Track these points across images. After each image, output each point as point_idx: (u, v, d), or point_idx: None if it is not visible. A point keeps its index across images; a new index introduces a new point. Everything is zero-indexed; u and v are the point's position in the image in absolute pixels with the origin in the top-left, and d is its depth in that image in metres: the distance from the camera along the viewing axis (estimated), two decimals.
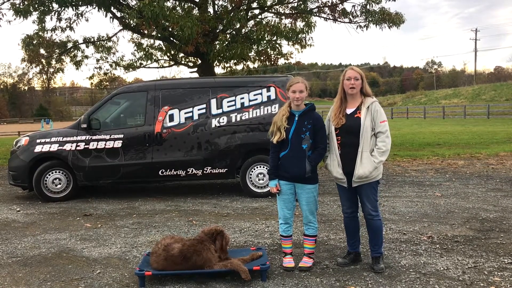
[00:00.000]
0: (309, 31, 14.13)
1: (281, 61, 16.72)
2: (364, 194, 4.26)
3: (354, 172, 4.18)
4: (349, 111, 4.28)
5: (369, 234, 4.39)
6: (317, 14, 15.27)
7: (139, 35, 15.93)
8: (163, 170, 8.11)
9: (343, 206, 4.49)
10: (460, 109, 44.38)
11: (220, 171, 8.21)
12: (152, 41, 16.21)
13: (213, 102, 8.23)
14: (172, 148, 8.11)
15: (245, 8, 14.25)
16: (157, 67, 17.96)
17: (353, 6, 14.63)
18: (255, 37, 14.03)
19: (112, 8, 13.59)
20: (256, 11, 15.41)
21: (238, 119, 8.23)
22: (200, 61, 15.33)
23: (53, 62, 17.98)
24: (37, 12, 13.26)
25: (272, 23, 14.61)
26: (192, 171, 8.14)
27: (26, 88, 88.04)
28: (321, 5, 15.14)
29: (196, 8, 14.17)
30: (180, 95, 8.26)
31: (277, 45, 14.95)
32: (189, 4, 14.39)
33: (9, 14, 13.01)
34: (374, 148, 4.16)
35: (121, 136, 8.11)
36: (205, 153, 8.14)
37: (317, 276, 4.21)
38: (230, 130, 8.19)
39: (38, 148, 8.15)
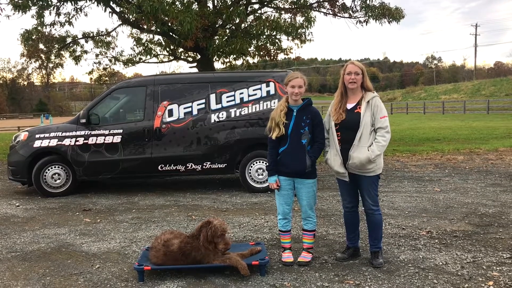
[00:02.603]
0: (309, 26, 14.12)
1: (281, 56, 16.73)
2: (365, 188, 4.26)
3: (347, 163, 4.17)
4: (349, 106, 4.26)
5: (369, 228, 4.39)
6: (317, 9, 15.23)
7: (138, 30, 15.91)
8: (163, 165, 8.10)
9: (344, 201, 4.49)
10: (460, 104, 44.37)
11: (219, 166, 8.21)
12: (151, 36, 16.20)
13: (212, 97, 8.22)
14: (171, 143, 8.11)
15: (245, 2, 14.22)
16: (157, 62, 17.97)
17: (353, 1, 14.62)
18: (254, 32, 14.01)
19: (111, 3, 13.56)
20: (256, 6, 15.40)
21: (238, 114, 8.21)
22: (199, 56, 15.31)
23: (52, 57, 17.97)
24: (36, 7, 13.22)
25: (272, 18, 14.58)
26: (191, 166, 8.14)
27: (25, 83, 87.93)
28: (321, 0, 15.11)
29: (196, 3, 14.12)
30: (179, 90, 8.25)
31: (276, 40, 14.92)
32: None
33: (8, 9, 13.01)
34: (374, 141, 4.14)
35: (120, 131, 8.10)
36: (205, 148, 8.13)
37: (316, 271, 4.22)
38: (230, 125, 8.18)
39: (37, 143, 8.15)
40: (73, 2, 14.10)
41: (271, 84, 8.28)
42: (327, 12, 15.26)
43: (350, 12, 14.83)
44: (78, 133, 8.12)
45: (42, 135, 8.20)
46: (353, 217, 4.48)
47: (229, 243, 4.12)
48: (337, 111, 4.26)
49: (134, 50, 17.16)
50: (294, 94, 4.24)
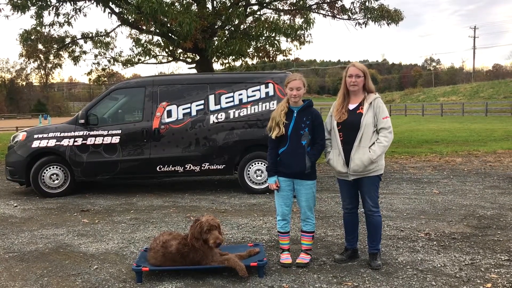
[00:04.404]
0: (308, 27, 14.09)
1: (280, 58, 16.72)
2: (365, 190, 4.26)
3: (349, 166, 4.18)
4: (351, 106, 4.27)
5: (368, 230, 4.38)
6: (316, 11, 15.23)
7: (137, 31, 15.88)
8: (161, 166, 8.10)
9: (344, 202, 4.49)
10: (458, 106, 44.46)
11: (218, 167, 8.20)
12: (150, 36, 16.17)
13: (211, 98, 8.22)
14: (170, 144, 8.10)
15: (244, 4, 14.21)
16: (156, 63, 17.93)
17: (352, 2, 14.62)
18: (253, 33, 14.01)
19: (111, 3, 13.53)
20: (255, 7, 15.39)
21: (236, 115, 8.21)
22: (198, 57, 15.29)
23: (51, 57, 17.92)
24: (35, 7, 13.18)
25: (271, 19, 14.57)
26: (190, 167, 8.13)
27: (24, 83, 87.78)
28: (320, 2, 15.12)
29: (195, 4, 14.12)
30: (178, 91, 8.24)
31: (275, 42, 14.90)
32: (188, 0, 14.34)
33: (7, 9, 12.90)
34: (375, 141, 4.15)
35: (119, 131, 8.09)
36: (203, 149, 8.13)
37: (314, 272, 4.22)
38: (228, 126, 8.18)
39: (35, 144, 8.13)
40: (72, 2, 14.08)
41: (270, 85, 8.28)
42: (326, 13, 15.27)
43: (349, 14, 14.83)
44: (76, 133, 8.11)
45: (40, 136, 8.18)
46: (353, 219, 4.48)
47: (219, 237, 4.04)
48: (339, 110, 4.27)
49: (133, 51, 17.12)
50: (293, 96, 4.25)
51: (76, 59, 16.61)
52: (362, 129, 4.14)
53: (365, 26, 14.66)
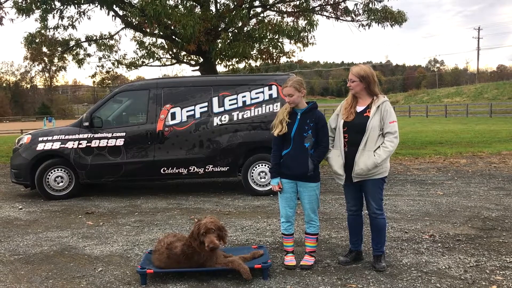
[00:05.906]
0: (311, 29, 14.10)
1: (283, 60, 16.70)
2: (370, 192, 4.25)
3: (353, 167, 4.17)
4: (359, 109, 4.27)
5: (372, 232, 4.38)
6: (319, 13, 15.25)
7: (141, 34, 15.94)
8: (165, 168, 8.11)
9: (348, 204, 4.48)
10: (463, 107, 44.31)
11: (222, 169, 8.21)
12: (154, 39, 16.21)
13: (215, 100, 8.23)
14: (174, 146, 8.12)
15: (247, 6, 14.23)
16: (159, 66, 17.98)
17: (355, 4, 14.62)
18: (257, 35, 14.02)
19: (115, 6, 13.59)
20: (258, 9, 15.40)
21: (240, 117, 8.22)
22: (202, 60, 15.32)
23: (56, 60, 18.04)
24: (39, 10, 13.26)
25: (274, 21, 14.58)
26: (194, 169, 8.15)
27: (28, 86, 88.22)
28: (323, 3, 15.13)
29: (198, 6, 14.16)
30: (182, 93, 8.26)
31: (279, 44, 14.91)
32: (191, 2, 14.38)
33: (12, 12, 13.06)
34: (381, 146, 4.14)
35: (123, 134, 8.12)
36: (207, 151, 8.14)
37: (318, 274, 4.21)
38: (232, 128, 8.19)
39: (40, 146, 8.17)
40: (76, 5, 14.15)
41: (274, 87, 8.28)
42: (330, 15, 15.29)
43: (353, 15, 14.85)
44: (81, 136, 8.13)
45: (45, 138, 8.22)
46: (357, 221, 4.48)
47: (214, 241, 3.98)
48: (348, 110, 4.28)
49: (137, 53, 17.17)
50: (287, 102, 4.30)
51: (80, 62, 16.68)
52: (367, 132, 4.13)
53: (369, 28, 14.69)
